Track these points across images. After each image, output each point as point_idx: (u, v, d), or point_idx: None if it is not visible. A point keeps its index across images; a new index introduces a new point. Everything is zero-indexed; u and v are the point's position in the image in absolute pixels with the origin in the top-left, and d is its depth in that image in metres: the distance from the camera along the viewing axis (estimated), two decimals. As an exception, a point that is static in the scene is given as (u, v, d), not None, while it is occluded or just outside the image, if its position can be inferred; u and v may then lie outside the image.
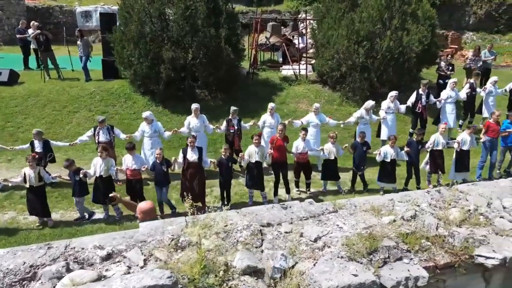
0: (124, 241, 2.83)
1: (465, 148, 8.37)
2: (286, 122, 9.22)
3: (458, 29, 26.19)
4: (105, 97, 12.13)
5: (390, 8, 11.93)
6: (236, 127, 9.19)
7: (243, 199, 8.40)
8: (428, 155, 8.47)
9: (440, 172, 8.68)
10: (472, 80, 11.20)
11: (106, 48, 12.75)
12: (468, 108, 11.27)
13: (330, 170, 8.38)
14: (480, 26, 25.10)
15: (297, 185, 8.72)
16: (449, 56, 13.61)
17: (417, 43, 11.73)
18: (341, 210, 3.45)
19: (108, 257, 2.65)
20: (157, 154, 7.43)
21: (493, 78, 11.40)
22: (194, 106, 9.03)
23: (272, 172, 8.48)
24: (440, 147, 8.24)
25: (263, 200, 8.16)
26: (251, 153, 7.88)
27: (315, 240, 2.92)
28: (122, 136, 8.80)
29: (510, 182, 4.07)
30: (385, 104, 10.14)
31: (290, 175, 8.79)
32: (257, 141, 7.82)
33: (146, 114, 8.74)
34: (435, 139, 8.27)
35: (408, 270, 2.65)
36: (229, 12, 12.07)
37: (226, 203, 7.95)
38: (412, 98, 10.52)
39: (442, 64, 13.63)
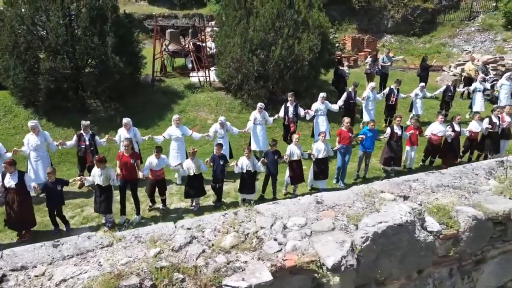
0: None
1: (320, 156, 8.67)
2: (146, 137, 9.01)
3: (378, 33, 27.71)
4: (-20, 111, 11.17)
5: (282, 17, 12.24)
6: (87, 143, 8.70)
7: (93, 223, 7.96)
8: (288, 166, 8.70)
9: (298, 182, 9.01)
10: (350, 89, 11.68)
11: (-16, 57, 11.73)
12: (348, 116, 11.70)
13: (193, 187, 8.21)
14: (398, 30, 26.73)
15: (153, 202, 8.40)
16: (344, 61, 14.34)
17: (308, 51, 12.13)
18: (119, 243, 3.35)
19: None
20: None
21: (370, 84, 12.09)
22: (31, 124, 8.39)
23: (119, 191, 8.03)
24: (295, 158, 8.49)
25: (108, 225, 7.71)
26: (94, 175, 7.35)
27: (57, 284, 2.77)
28: None
29: (312, 199, 4.22)
30: (252, 116, 10.27)
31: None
32: (99, 160, 7.31)
33: None
34: (291, 150, 8.51)
35: (137, 311, 2.59)
36: (116, 19, 11.61)
37: (56, 230, 7.54)
38: (281, 112, 10.67)
39: (345, 68, 14.33)
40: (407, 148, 10.28)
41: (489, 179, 4.91)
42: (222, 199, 8.68)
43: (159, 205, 8.49)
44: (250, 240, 3.38)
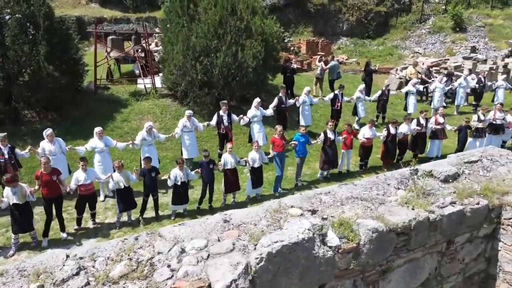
0: None
1: (256, 165, 8.79)
2: (67, 148, 8.71)
3: (334, 35, 28.26)
4: None
5: (225, 24, 12.19)
6: (6, 156, 8.25)
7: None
8: (223, 174, 8.73)
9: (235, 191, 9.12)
10: (280, 94, 11.81)
11: None
12: (280, 122, 11.66)
13: (125, 200, 8.01)
14: (353, 32, 27.42)
15: (79, 223, 8.03)
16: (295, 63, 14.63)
17: (251, 58, 12.15)
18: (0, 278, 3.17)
19: None
20: None
21: (306, 88, 12.28)
22: None
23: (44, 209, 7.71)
24: (229, 166, 8.54)
25: (32, 242, 7.42)
26: (7, 196, 6.96)
27: None
28: None
29: (220, 218, 4.20)
30: (181, 123, 10.12)
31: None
32: (8, 180, 6.88)
33: None
34: (225, 159, 8.55)
35: None
36: (49, 26, 11.08)
37: None
38: (213, 121, 10.59)
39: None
40: (343, 151, 10.59)
41: (399, 189, 5.09)
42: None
43: (89, 225, 8.14)
44: (143, 267, 3.30)
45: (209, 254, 3.51)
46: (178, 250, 3.53)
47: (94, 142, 8.92)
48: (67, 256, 3.46)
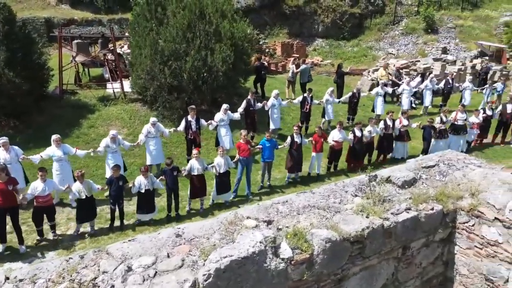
0: None
1: (221, 171, 8.76)
2: (21, 158, 8.39)
3: (310, 37, 28.33)
4: None
5: (193, 28, 12.06)
6: None
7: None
8: (190, 180, 8.67)
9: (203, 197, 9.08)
10: (249, 97, 11.83)
11: None
12: (249, 125, 11.75)
13: (86, 210, 7.79)
14: (328, 34, 27.51)
15: (40, 234, 7.73)
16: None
17: (221, 62, 12.06)
18: None
19: None
20: None
21: (274, 92, 12.32)
22: None
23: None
24: (195, 172, 8.48)
25: None
26: None
27: None
28: None
29: (172, 232, 4.11)
30: (145, 129, 9.97)
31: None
32: None
33: None
34: (191, 165, 8.49)
35: None
36: (9, 31, 10.70)
37: None
38: (181, 126, 10.50)
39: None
40: (313, 154, 10.65)
41: (356, 196, 5.10)
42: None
43: (49, 237, 7.86)
44: (82, 289, 3.19)
45: (156, 272, 3.43)
46: (124, 269, 3.43)
47: (51, 150, 8.56)
48: (7, 278, 3.32)
